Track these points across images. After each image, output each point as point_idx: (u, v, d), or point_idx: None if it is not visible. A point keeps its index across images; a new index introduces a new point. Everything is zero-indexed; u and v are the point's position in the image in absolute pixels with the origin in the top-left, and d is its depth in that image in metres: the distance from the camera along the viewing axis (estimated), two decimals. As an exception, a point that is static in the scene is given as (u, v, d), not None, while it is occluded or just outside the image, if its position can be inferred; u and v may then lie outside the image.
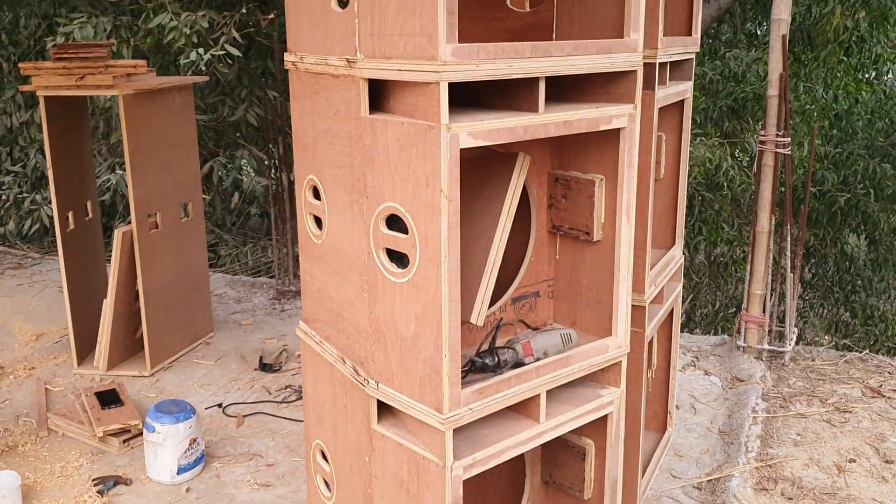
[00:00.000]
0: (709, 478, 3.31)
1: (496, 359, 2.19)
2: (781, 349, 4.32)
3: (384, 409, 2.23)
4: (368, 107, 2.04)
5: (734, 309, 7.55)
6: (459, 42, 1.80)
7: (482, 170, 2.30)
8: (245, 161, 7.65)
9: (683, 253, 7.06)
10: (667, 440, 3.53)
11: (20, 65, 4.21)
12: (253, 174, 7.72)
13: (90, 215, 4.54)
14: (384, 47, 1.92)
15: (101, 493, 3.19)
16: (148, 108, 4.14)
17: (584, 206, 2.35)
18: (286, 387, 4.19)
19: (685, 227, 7.15)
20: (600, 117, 2.12)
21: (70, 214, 4.27)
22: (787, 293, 4.35)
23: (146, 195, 4.17)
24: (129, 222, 4.18)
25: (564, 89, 2.23)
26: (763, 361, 4.29)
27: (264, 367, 4.39)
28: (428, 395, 2.03)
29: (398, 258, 2.09)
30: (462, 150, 1.88)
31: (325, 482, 2.60)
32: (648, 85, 2.61)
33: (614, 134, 2.22)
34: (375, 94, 2.06)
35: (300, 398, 4.05)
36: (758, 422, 3.68)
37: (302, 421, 3.80)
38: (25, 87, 4.11)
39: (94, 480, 3.28)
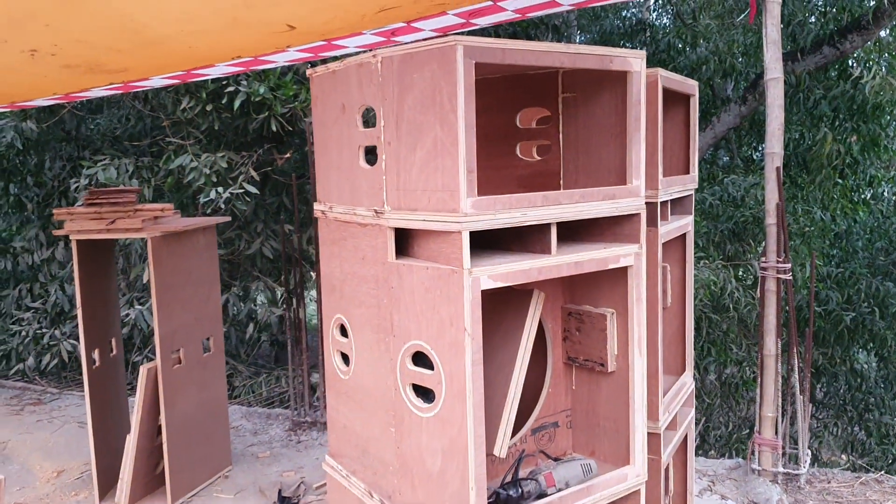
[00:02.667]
0: None
1: (520, 490, 2.27)
2: (796, 472, 4.33)
3: (411, 542, 2.30)
4: (395, 252, 2.22)
5: (747, 430, 7.53)
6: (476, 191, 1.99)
7: (500, 305, 2.45)
8: (260, 293, 7.83)
9: (694, 375, 7.08)
10: (689, 568, 3.52)
11: (55, 211, 4.45)
12: (267, 304, 7.88)
13: (114, 352, 4.67)
14: (409, 200, 2.11)
15: None
16: (174, 249, 4.34)
17: (597, 338, 2.48)
18: (306, 520, 4.20)
19: (694, 349, 7.25)
20: (608, 257, 2.29)
21: (96, 352, 4.41)
22: (798, 415, 4.40)
23: (171, 332, 4.32)
24: (153, 358, 4.31)
25: (574, 230, 2.41)
26: (779, 484, 4.30)
27: (283, 500, 4.41)
28: (455, 528, 2.11)
29: (423, 393, 2.21)
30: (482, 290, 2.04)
31: None
32: (652, 222, 2.79)
33: (623, 271, 2.38)
34: (400, 240, 2.24)
35: (320, 532, 4.06)
36: (779, 547, 3.67)
37: (322, 555, 3.80)
38: (59, 232, 4.33)
39: None
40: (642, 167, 2.37)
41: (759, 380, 4.38)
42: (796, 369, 4.39)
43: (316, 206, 2.61)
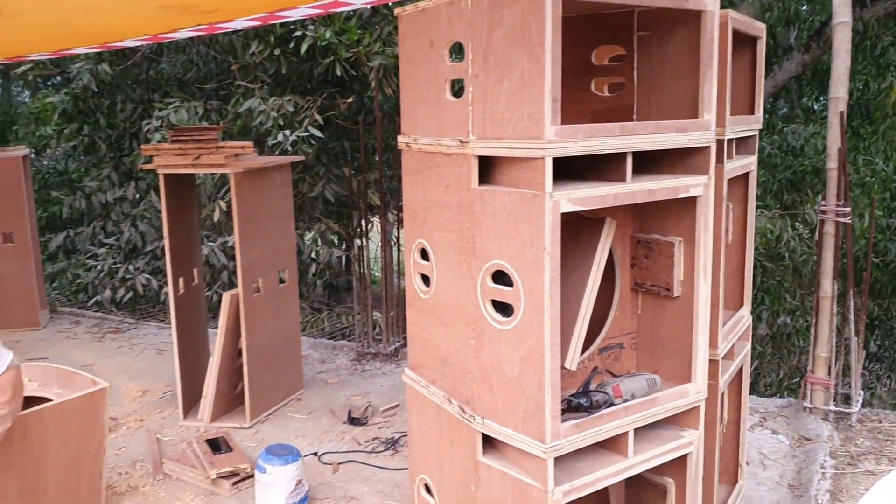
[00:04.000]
0: (781, 527, 3.48)
1: (589, 400, 2.47)
2: (848, 410, 4.47)
3: (487, 444, 2.52)
4: (478, 179, 2.40)
5: (798, 378, 7.64)
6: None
7: (574, 233, 2.62)
8: (320, 234, 8.09)
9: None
10: (738, 492, 3.71)
11: (142, 147, 4.72)
12: (328, 246, 8.15)
13: (196, 281, 4.97)
14: (494, 129, 2.29)
15: (217, 529, 3.51)
16: (254, 185, 4.59)
17: (664, 265, 2.65)
18: (374, 438, 4.48)
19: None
20: (679, 186, 2.45)
21: (181, 280, 4.71)
22: (851, 355, 4.52)
23: (251, 263, 4.59)
24: (222, 293, 4.59)
25: (646, 163, 2.56)
26: (830, 422, 4.44)
27: (353, 420, 4.70)
28: (531, 428, 2.32)
29: (502, 308, 2.41)
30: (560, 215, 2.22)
31: (430, 515, 2.87)
32: (718, 159, 2.92)
33: (691, 201, 2.54)
34: (482, 169, 2.42)
35: (388, 448, 4.34)
36: (826, 477, 3.83)
37: (392, 469, 4.08)
38: (147, 166, 4.60)
39: (209, 518, 3.60)
40: (713, 103, 2.50)
41: (813, 320, 4.50)
42: (852, 311, 4.50)
43: (400, 139, 2.80)
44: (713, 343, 3.06)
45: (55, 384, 3.66)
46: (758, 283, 7.31)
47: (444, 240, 2.61)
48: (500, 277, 2.40)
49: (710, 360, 3.04)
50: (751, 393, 6.04)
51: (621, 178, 2.34)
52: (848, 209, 4.28)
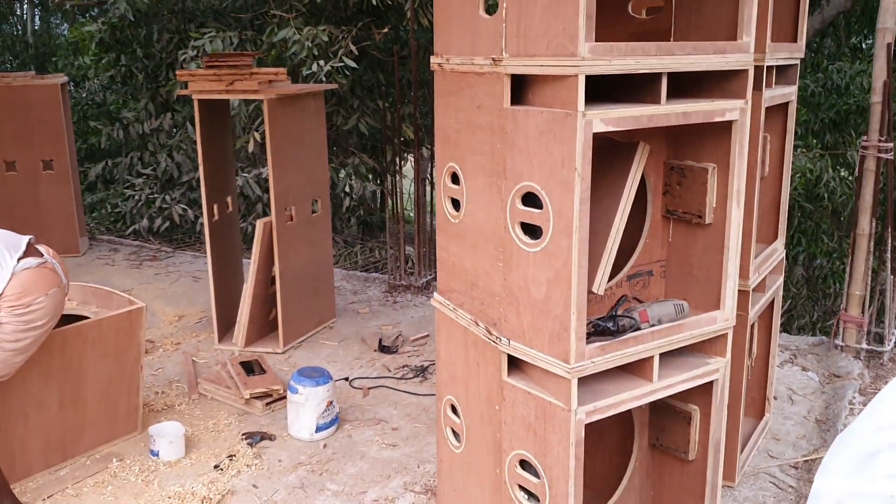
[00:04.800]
0: (805, 458, 3.49)
1: (616, 324, 2.47)
2: (880, 349, 4.43)
3: (512, 365, 2.55)
4: (510, 99, 2.38)
5: (831, 321, 7.57)
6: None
7: (606, 159, 2.60)
8: (353, 168, 8.09)
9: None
10: (764, 425, 3.73)
11: (177, 72, 4.74)
12: (362, 180, 8.17)
13: (230, 209, 5.03)
14: (528, 47, 2.25)
15: (250, 445, 3.61)
16: (287, 112, 4.60)
17: (697, 192, 2.62)
18: (403, 366, 4.55)
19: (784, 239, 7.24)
20: (715, 110, 2.40)
21: (215, 207, 4.76)
22: (886, 295, 4.46)
23: (284, 190, 4.62)
24: (268, 215, 4.64)
25: (681, 87, 2.51)
26: (861, 360, 4.41)
27: (383, 348, 4.78)
28: (556, 349, 2.34)
29: (530, 231, 2.41)
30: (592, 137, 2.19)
31: (454, 433, 2.93)
32: (756, 86, 2.86)
33: (726, 126, 2.49)
34: (515, 89, 2.39)
35: (417, 375, 4.41)
36: (854, 413, 3.83)
37: (420, 394, 4.15)
38: (183, 92, 4.62)
39: (243, 435, 3.70)
40: (753, 25, 2.44)
41: (849, 259, 4.44)
42: (889, 251, 4.43)
43: (433, 60, 2.77)
44: (744, 274, 3.05)
45: (93, 303, 3.75)
46: (795, 225, 7.21)
47: (475, 163, 2.60)
48: (530, 200, 2.39)
49: (740, 291, 3.03)
50: (784, 333, 6.03)
51: (656, 100, 2.30)
52: (890, 145, 4.18)
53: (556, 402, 2.38)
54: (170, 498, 3.16)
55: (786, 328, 7.95)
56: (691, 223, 2.68)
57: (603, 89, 2.37)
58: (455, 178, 2.74)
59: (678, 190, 2.69)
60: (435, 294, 2.98)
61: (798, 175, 6.74)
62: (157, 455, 3.47)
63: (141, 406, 3.71)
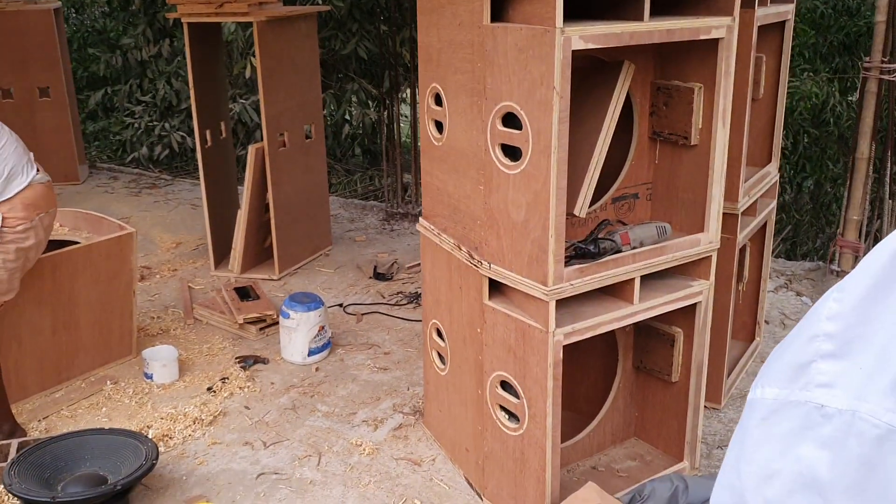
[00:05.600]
0: (793, 382, 3.51)
1: (597, 247, 2.46)
2: (876, 275, 4.41)
3: (494, 288, 2.55)
4: (490, 16, 2.32)
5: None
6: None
7: (590, 79, 2.55)
8: (353, 94, 7.97)
9: (786, 191, 7.02)
10: (754, 348, 3.75)
11: (166, -5, 4.64)
12: (361, 107, 8.06)
13: (224, 135, 4.99)
14: (507, -38, 2.18)
15: (243, 368, 3.66)
16: (278, 35, 4.51)
17: (683, 112, 2.57)
18: (398, 293, 4.57)
19: (789, 165, 7.14)
20: (701, 27, 2.34)
21: (208, 133, 4.72)
22: (884, 220, 4.42)
23: (276, 115, 4.57)
24: (261, 140, 4.61)
25: (666, 3, 2.44)
26: (856, 286, 4.39)
27: (378, 276, 4.79)
28: (535, 272, 2.34)
29: (511, 153, 2.38)
30: (574, 56, 2.14)
31: (440, 356, 2.95)
32: (748, 3, 2.78)
33: (713, 45, 2.43)
34: (496, 6, 2.33)
35: (411, 302, 4.43)
36: (846, 338, 3.83)
37: (413, 320, 4.18)
38: (172, 15, 4.54)
39: (236, 359, 3.75)
40: (743, -63, 2.35)
41: (847, 183, 4.39)
42: (888, 174, 4.37)
43: (416, -23, 2.70)
44: (733, 197, 3.01)
45: (84, 228, 3.76)
46: (799, 151, 7.11)
47: (456, 82, 2.56)
48: (510, 121, 2.35)
49: (728, 214, 3.00)
50: (781, 259, 6.02)
51: (639, 17, 2.24)
52: (894, 66, 4.08)
53: (534, 325, 2.38)
54: (162, 419, 3.22)
55: (789, 255, 7.93)
56: (677, 144, 2.64)
57: (585, 6, 2.31)
58: (438, 100, 2.70)
59: (664, 111, 2.64)
60: (420, 219, 2.97)
61: (804, 100, 6.61)
62: (151, 378, 3.52)
63: (135, 330, 3.75)
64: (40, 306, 3.29)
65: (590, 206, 2.55)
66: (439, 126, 2.73)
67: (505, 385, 2.57)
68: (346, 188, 7.61)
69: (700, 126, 2.54)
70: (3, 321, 3.14)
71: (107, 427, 3.05)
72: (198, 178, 7.25)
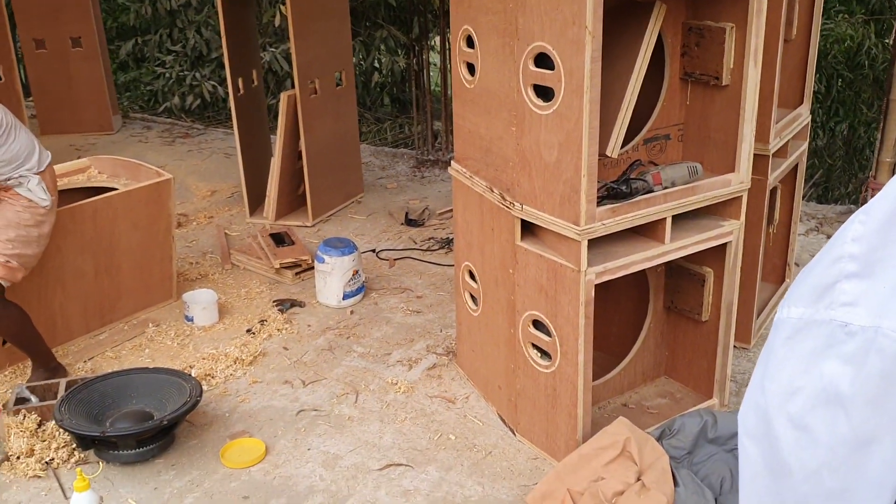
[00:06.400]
0: (822, 323, 3.53)
1: (629, 186, 2.49)
2: (910, 218, 4.38)
3: (525, 229, 2.60)
4: (522, -43, 2.32)
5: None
6: None
7: (622, 19, 2.54)
8: (382, 41, 7.94)
9: (818, 135, 6.91)
10: (784, 290, 3.76)
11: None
12: (391, 54, 8.04)
13: (255, 83, 5.02)
14: None
15: (281, 311, 3.75)
16: (307, -19, 4.51)
17: (715, 52, 2.56)
18: (429, 238, 4.63)
19: (822, 108, 7.03)
20: (734, -36, 2.32)
21: (240, 81, 4.76)
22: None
23: (307, 62, 4.59)
24: (292, 88, 4.64)
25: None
26: (890, 229, 4.37)
27: (410, 222, 4.85)
28: (567, 212, 2.37)
29: (543, 94, 2.40)
30: (605, -5, 2.14)
31: (472, 297, 3.02)
32: (784, -61, 2.74)
33: (746, -18, 2.41)
34: (528, -54, 2.33)
35: (442, 247, 4.49)
36: (877, 280, 3.83)
37: (445, 265, 4.25)
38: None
39: (274, 302, 3.85)
40: None
41: (881, 125, 4.33)
42: (925, 116, 4.31)
43: (447, -82, 2.69)
44: (764, 138, 3.00)
45: (122, 175, 3.85)
46: (833, 95, 6.99)
47: (488, 23, 2.57)
48: (543, 61, 2.37)
49: (759, 155, 3.00)
50: (813, 202, 5.98)
51: (671, -46, 2.23)
52: (933, 4, 3.99)
53: (566, 264, 2.43)
54: (204, 359, 3.33)
55: (821, 200, 7.85)
56: (709, 85, 2.64)
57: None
58: (470, 42, 2.71)
59: (696, 51, 2.63)
60: (452, 162, 3.00)
61: (838, 43, 6.47)
62: (192, 321, 3.63)
63: (175, 275, 3.86)
64: (83, 251, 3.40)
65: (621, 148, 2.57)
66: (471, 68, 2.75)
67: (537, 324, 2.63)
68: (376, 136, 7.63)
69: (731, 66, 2.54)
70: (48, 266, 3.24)
71: (151, 367, 3.17)
72: (229, 128, 7.33)
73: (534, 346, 2.66)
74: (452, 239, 4.58)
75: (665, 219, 2.50)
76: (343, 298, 3.80)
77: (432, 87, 6.58)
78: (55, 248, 3.21)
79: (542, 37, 2.30)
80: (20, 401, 2.86)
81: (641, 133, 2.73)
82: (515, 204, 2.55)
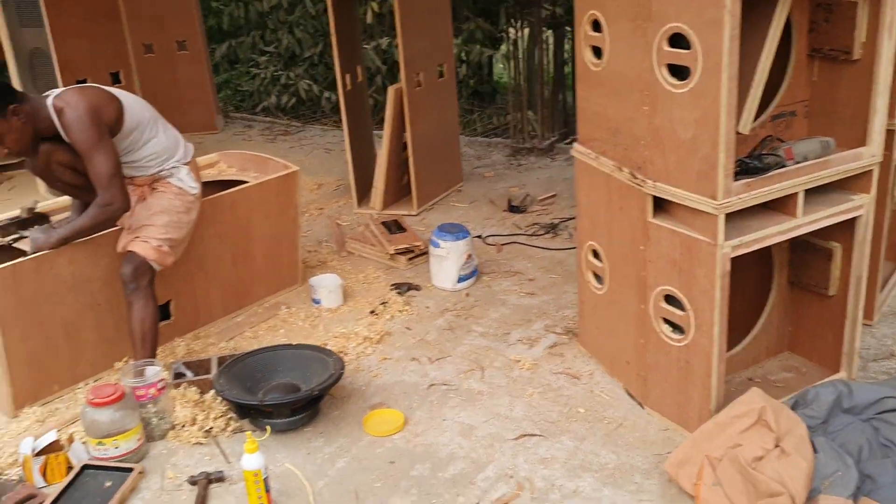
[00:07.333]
0: (946, 299, 3.50)
1: (762, 161, 2.54)
2: None
3: (655, 207, 2.67)
4: (656, -59, 2.40)
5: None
6: None
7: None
8: (469, 33, 8.05)
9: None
10: (904, 268, 3.74)
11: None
12: (478, 46, 8.14)
13: (360, 79, 5.20)
14: None
15: (399, 294, 3.91)
16: (412, -24, 4.65)
17: (845, 27, 2.59)
18: (533, 224, 4.73)
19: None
20: (869, -61, 2.35)
21: (347, 77, 4.94)
22: None
23: (412, 56, 4.74)
24: (388, 86, 4.79)
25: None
26: None
27: (513, 208, 4.96)
28: (703, 187, 2.44)
29: (677, 73, 2.47)
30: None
31: (596, 276, 3.11)
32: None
33: (880, -44, 2.43)
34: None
35: (548, 232, 4.58)
36: None
37: (553, 249, 4.34)
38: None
39: (391, 286, 4.01)
40: None
41: None
42: None
43: None
44: (892, 112, 3.00)
45: (251, 169, 4.06)
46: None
47: (616, 7, 2.65)
48: (677, 41, 2.44)
49: (886, 130, 3.00)
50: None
51: (807, -68, 2.27)
52: None
53: (702, 238, 2.50)
54: (336, 338, 3.51)
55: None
56: (838, 60, 2.67)
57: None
58: (596, 26, 2.80)
59: (825, 27, 2.66)
60: (575, 144, 3.09)
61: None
62: (319, 303, 3.82)
63: (300, 261, 4.05)
64: (222, 239, 3.61)
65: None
66: (597, 52, 2.83)
67: (669, 299, 2.70)
68: (466, 127, 7.76)
69: (863, 40, 2.57)
70: (192, 253, 3.46)
71: (294, 343, 3.35)
72: (325, 124, 7.57)
73: (665, 320, 2.74)
74: (557, 224, 4.69)
75: (797, 193, 2.55)
76: (458, 281, 3.93)
77: (521, 76, 6.63)
78: (198, 237, 3.43)
79: (678, 18, 2.37)
80: (177, 376, 3.07)
81: (769, 110, 2.78)
82: (647, 181, 2.63)
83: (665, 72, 2.48)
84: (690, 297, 2.60)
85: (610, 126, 2.83)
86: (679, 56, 2.41)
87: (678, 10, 2.37)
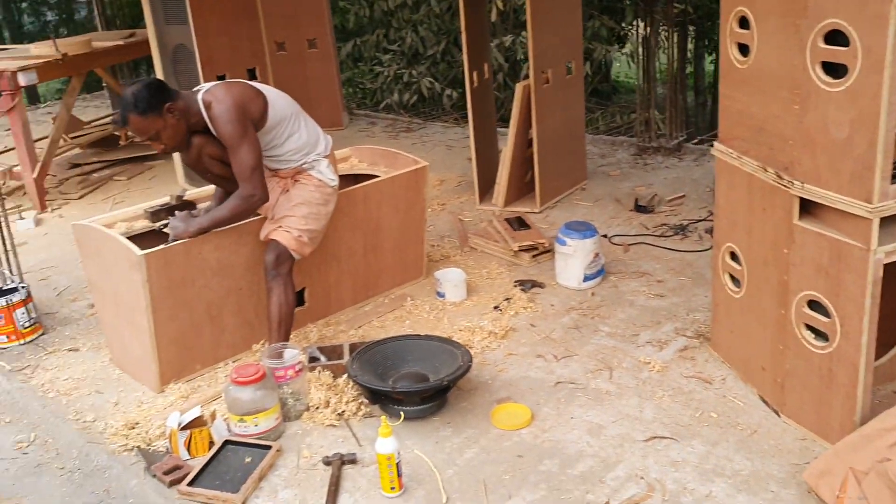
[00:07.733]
0: None
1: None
2: None
3: (800, 209, 2.58)
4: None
5: None
6: None
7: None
8: (593, 31, 7.97)
9: None
10: None
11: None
12: (602, 44, 8.04)
13: (486, 76, 5.23)
14: None
15: (523, 290, 3.92)
16: (544, -27, 4.65)
17: None
18: (661, 224, 4.65)
19: None
20: None
21: (475, 74, 4.98)
22: None
23: (541, 53, 4.74)
24: (510, 84, 4.80)
25: None
26: None
27: (639, 208, 4.88)
28: (857, 189, 2.35)
29: (832, 71, 2.38)
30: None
31: (733, 278, 3.03)
32: None
33: None
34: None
35: (677, 233, 4.49)
36: None
37: (682, 251, 4.25)
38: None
39: (515, 282, 4.02)
40: None
41: None
42: None
43: None
44: None
45: (381, 163, 4.15)
46: None
47: (766, 4, 2.58)
48: (833, 39, 2.35)
49: None
50: None
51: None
52: None
53: (852, 243, 2.40)
54: (461, 331, 3.55)
55: None
56: None
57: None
58: (743, 22, 2.73)
59: None
60: (716, 143, 3.02)
61: None
62: (444, 296, 3.87)
63: (425, 255, 4.13)
64: (354, 231, 3.72)
65: None
66: (743, 49, 2.76)
67: (812, 304, 2.61)
68: (589, 125, 7.69)
69: None
70: (326, 243, 3.57)
71: (423, 334, 3.42)
72: (447, 121, 7.66)
73: (807, 326, 2.64)
74: (687, 225, 4.59)
75: (959, 197, 2.41)
76: (584, 280, 3.91)
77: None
78: (332, 228, 3.54)
79: (836, 14, 2.29)
80: (312, 360, 3.19)
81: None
82: (795, 182, 2.55)
83: (819, 70, 2.40)
84: (837, 303, 2.50)
85: (754, 125, 2.75)
86: (836, 54, 2.32)
87: (837, 5, 2.28)
